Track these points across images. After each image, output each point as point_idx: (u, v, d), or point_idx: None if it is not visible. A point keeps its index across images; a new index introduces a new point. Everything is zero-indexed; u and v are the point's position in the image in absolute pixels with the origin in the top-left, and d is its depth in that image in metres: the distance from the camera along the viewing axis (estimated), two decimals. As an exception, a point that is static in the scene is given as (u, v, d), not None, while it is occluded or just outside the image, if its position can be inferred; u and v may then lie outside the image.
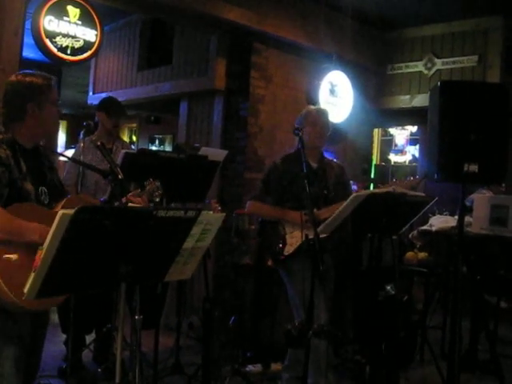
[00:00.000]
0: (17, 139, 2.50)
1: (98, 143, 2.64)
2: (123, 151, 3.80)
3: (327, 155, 4.04)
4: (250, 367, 4.60)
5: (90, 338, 4.55)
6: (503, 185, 6.34)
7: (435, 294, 4.83)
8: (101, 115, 4.49)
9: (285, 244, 3.70)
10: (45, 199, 2.51)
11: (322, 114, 3.86)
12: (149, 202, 3.00)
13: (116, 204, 2.50)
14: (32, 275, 1.83)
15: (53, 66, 7.87)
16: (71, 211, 1.74)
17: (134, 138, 13.32)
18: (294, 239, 3.68)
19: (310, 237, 3.50)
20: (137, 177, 3.37)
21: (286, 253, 3.69)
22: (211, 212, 2.30)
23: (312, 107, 3.93)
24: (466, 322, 4.35)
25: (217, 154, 4.45)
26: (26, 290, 1.86)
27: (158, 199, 3.02)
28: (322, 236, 3.15)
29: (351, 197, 3.28)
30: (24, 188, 2.43)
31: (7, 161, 2.40)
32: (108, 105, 4.56)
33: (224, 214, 2.31)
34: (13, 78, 2.56)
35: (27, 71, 2.59)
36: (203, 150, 4.30)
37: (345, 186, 3.81)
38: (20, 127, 2.51)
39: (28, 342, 2.49)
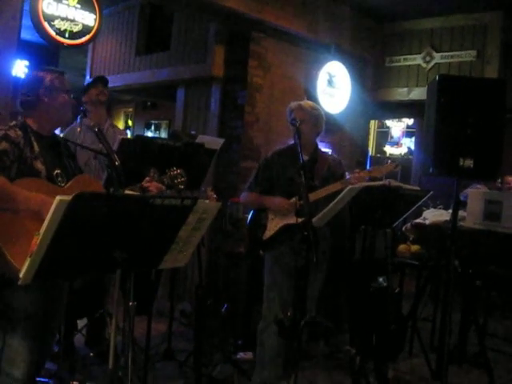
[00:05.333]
0: (32, 125, 2.68)
1: (96, 129, 2.66)
2: (120, 137, 3.80)
3: (324, 146, 4.03)
4: (241, 354, 4.63)
5: (82, 323, 4.56)
6: (499, 180, 6.39)
7: (427, 286, 4.85)
8: (85, 97, 4.45)
9: (265, 229, 3.77)
10: (61, 182, 2.64)
11: (305, 110, 3.79)
12: (170, 188, 3.06)
13: (112, 190, 2.55)
14: (28, 260, 1.84)
15: (50, 48, 7.85)
16: (68, 197, 1.75)
17: (130, 123, 13.27)
18: (273, 224, 3.75)
19: (289, 222, 3.58)
20: (133, 163, 3.38)
21: (264, 237, 3.76)
22: (207, 201, 2.31)
23: (294, 104, 3.83)
24: (457, 315, 4.38)
25: (213, 142, 4.45)
26: (21, 274, 1.87)
27: (182, 186, 3.09)
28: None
29: (346, 189, 3.29)
30: (34, 167, 2.56)
31: (17, 139, 2.55)
32: (87, 84, 4.62)
33: (220, 204, 2.32)
34: (28, 72, 2.86)
35: (42, 67, 2.86)
36: (200, 138, 4.30)
37: (336, 177, 3.80)
38: (36, 114, 2.70)
39: (40, 316, 2.58)
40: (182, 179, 3.15)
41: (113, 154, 2.59)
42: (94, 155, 4.20)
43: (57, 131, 3.10)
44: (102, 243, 1.99)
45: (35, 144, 2.61)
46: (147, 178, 2.94)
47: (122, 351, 2.43)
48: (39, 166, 2.58)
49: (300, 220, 3.40)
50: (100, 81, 4.59)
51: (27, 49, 7.95)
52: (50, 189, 2.49)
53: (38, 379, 2.89)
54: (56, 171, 2.64)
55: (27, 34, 6.10)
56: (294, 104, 3.83)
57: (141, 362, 3.87)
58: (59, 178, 2.63)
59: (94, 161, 4.25)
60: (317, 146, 3.92)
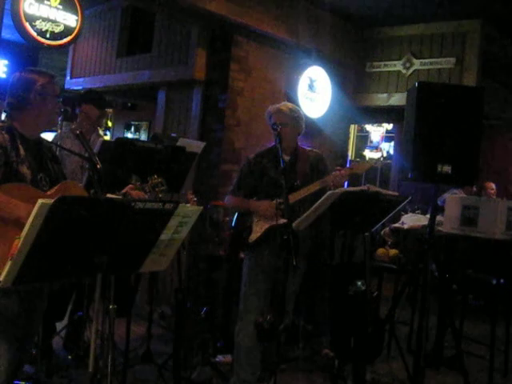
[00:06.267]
0: (18, 128, 2.64)
1: (78, 132, 2.65)
2: (101, 139, 3.80)
3: (304, 146, 4.03)
4: (220, 357, 4.63)
5: (60, 325, 4.53)
6: (474, 186, 6.49)
7: (404, 290, 4.91)
8: (86, 107, 4.40)
9: (250, 232, 3.78)
10: (45, 186, 2.62)
11: (284, 113, 3.78)
12: (150, 195, 3.09)
13: (92, 192, 2.56)
14: (9, 263, 1.84)
15: (31, 47, 7.79)
16: (50, 201, 1.75)
17: (110, 124, 13.18)
18: (258, 227, 3.76)
19: (274, 224, 3.59)
20: (114, 165, 3.39)
21: (250, 240, 3.77)
22: (188, 205, 2.33)
23: (273, 107, 3.81)
24: (434, 319, 4.44)
25: (194, 145, 4.47)
26: (1, 277, 1.86)
27: (161, 195, 3.12)
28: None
29: (326, 194, 3.32)
30: (20, 171, 2.54)
31: (4, 143, 2.53)
32: (95, 97, 4.53)
33: (201, 208, 2.33)
34: (18, 73, 2.72)
35: (32, 68, 2.79)
36: (181, 141, 4.31)
37: (319, 174, 3.82)
38: (23, 116, 2.66)
39: (19, 318, 2.57)
40: (163, 187, 3.18)
41: (94, 157, 2.59)
42: (80, 165, 4.19)
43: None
44: (83, 247, 1.99)
45: (21, 148, 2.59)
46: (129, 186, 2.94)
47: (101, 354, 2.43)
48: (25, 170, 2.56)
49: (281, 221, 3.43)
50: (107, 105, 4.52)
51: (7, 48, 7.88)
52: (35, 194, 2.45)
53: (15, 382, 2.87)
54: (40, 175, 2.62)
55: (7, 33, 6.04)
56: (272, 108, 3.83)
57: (120, 365, 3.86)
58: (43, 182, 2.61)
59: (80, 170, 4.23)
60: (297, 144, 3.93)
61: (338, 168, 3.72)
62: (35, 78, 2.67)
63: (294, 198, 3.57)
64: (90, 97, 4.53)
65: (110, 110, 13.05)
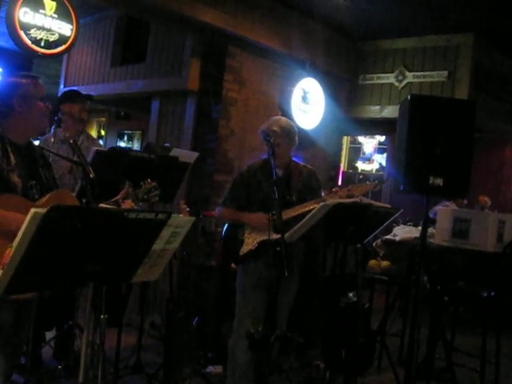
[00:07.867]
0: (9, 135, 2.59)
1: (71, 141, 2.64)
2: (94, 149, 3.78)
3: (297, 160, 4.04)
4: (210, 368, 4.61)
5: (50, 335, 4.51)
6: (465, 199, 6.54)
7: (396, 302, 4.91)
8: (65, 107, 4.36)
9: (242, 244, 3.76)
10: (35, 193, 2.57)
11: (278, 135, 3.73)
12: (144, 201, 3.07)
13: (84, 201, 2.55)
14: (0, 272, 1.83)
15: (25, 55, 7.79)
16: (43, 210, 1.75)
17: (103, 133, 13.17)
18: (250, 240, 3.74)
19: (264, 238, 3.58)
20: (107, 175, 3.38)
21: (241, 252, 3.75)
22: (181, 215, 2.33)
23: (267, 130, 3.75)
24: (425, 331, 4.44)
25: (188, 155, 4.47)
26: (-8, 287, 1.85)
27: (155, 199, 3.09)
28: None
29: (319, 206, 3.32)
30: (10, 180, 2.50)
31: None
32: (71, 94, 4.51)
33: (194, 218, 2.33)
34: (1, 80, 2.74)
35: (15, 73, 2.76)
36: (174, 151, 4.31)
37: (312, 190, 3.83)
38: (10, 123, 2.61)
39: (10, 330, 2.55)
40: (157, 192, 3.15)
41: (87, 166, 2.57)
42: (68, 170, 4.18)
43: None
44: (75, 256, 1.98)
45: (11, 155, 2.55)
46: (122, 193, 2.92)
47: (92, 364, 2.42)
48: (15, 179, 2.52)
49: (274, 236, 3.42)
50: (86, 98, 4.51)
51: (1, 55, 7.88)
52: (26, 205, 2.40)
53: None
54: (31, 182, 2.58)
55: (1, 41, 6.05)
56: (265, 127, 3.79)
57: (110, 375, 3.84)
58: (33, 190, 2.58)
59: (68, 175, 4.23)
60: (291, 159, 3.94)
61: (336, 189, 3.71)
62: (16, 82, 2.62)
63: (288, 214, 3.54)
64: (66, 96, 4.52)
65: (102, 119, 13.06)
